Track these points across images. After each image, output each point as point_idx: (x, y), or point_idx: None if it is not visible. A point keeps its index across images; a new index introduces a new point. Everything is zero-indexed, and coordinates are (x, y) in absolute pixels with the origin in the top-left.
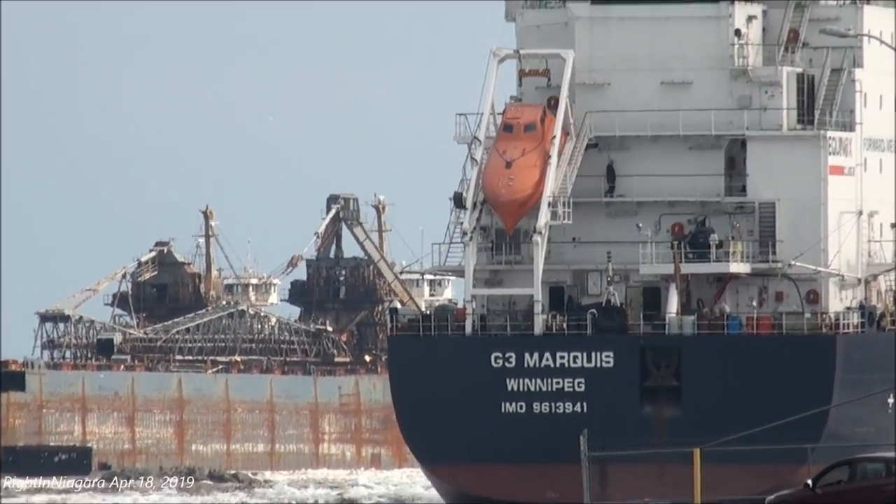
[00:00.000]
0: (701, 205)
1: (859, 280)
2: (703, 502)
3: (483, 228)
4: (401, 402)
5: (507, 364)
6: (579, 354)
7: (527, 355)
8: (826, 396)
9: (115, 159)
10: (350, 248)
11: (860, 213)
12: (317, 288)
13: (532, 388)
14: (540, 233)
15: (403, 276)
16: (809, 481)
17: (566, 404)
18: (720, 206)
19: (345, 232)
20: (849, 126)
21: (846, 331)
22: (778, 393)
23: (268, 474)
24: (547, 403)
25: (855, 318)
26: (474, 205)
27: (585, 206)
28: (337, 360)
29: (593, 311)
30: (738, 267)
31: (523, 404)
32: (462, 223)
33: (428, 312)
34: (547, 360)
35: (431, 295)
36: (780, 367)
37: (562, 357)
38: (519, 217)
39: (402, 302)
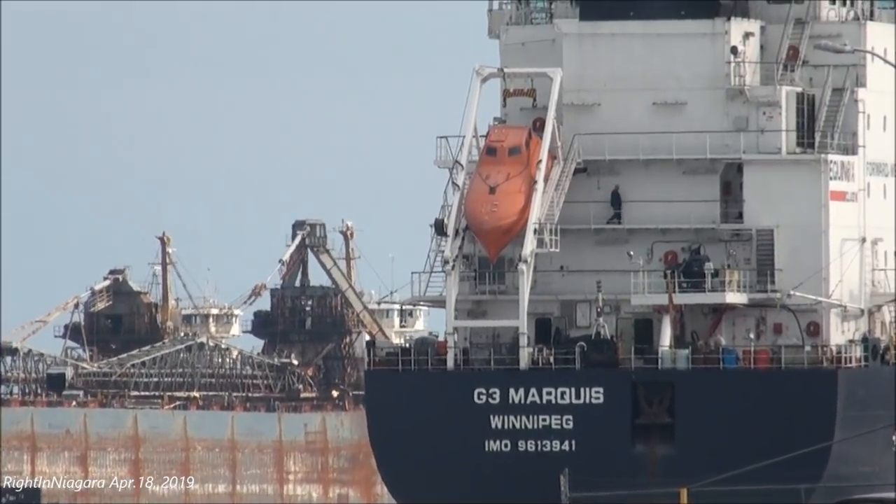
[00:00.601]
0: (695, 232)
1: (862, 311)
2: None
3: (465, 257)
4: (379, 440)
5: (490, 400)
6: (567, 390)
7: (512, 391)
8: (827, 434)
9: (66, 182)
10: (317, 277)
11: (863, 240)
12: (281, 319)
13: (517, 426)
14: (525, 261)
15: (381, 307)
16: None
17: (553, 443)
18: (715, 234)
19: (311, 259)
20: (851, 149)
21: (848, 365)
22: (776, 431)
23: None
24: (533, 442)
25: (858, 352)
26: (456, 232)
27: (574, 234)
28: (302, 395)
29: (582, 344)
30: (734, 297)
31: (508, 443)
32: (443, 251)
33: (407, 346)
34: (533, 396)
35: (402, 326)
36: (779, 403)
37: (549, 393)
38: (503, 245)
39: (370, 334)
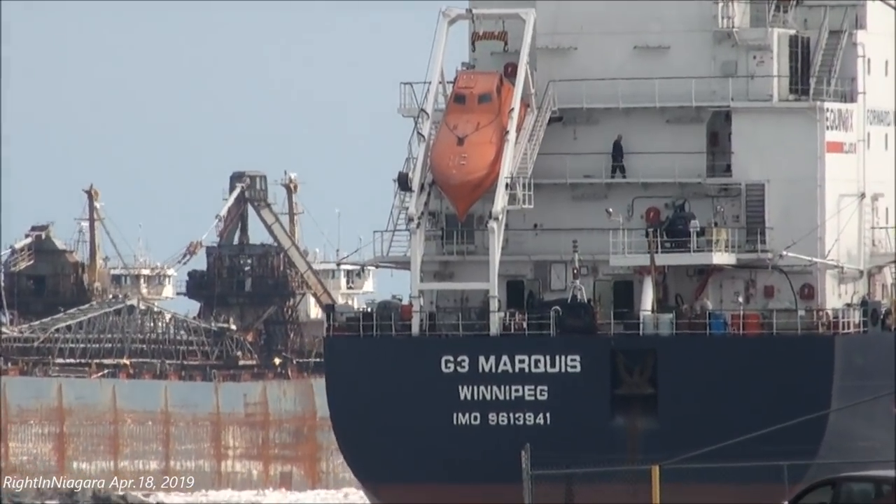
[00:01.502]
0: (679, 187)
1: (861, 272)
2: None
3: (432, 214)
4: (339, 412)
5: (459, 369)
6: (541, 358)
7: (482, 359)
8: (823, 406)
9: None
10: (257, 234)
11: (862, 195)
12: (218, 280)
13: (488, 397)
14: (496, 219)
15: (340, 268)
16: (786, 503)
17: (527, 415)
18: (701, 189)
19: (251, 215)
20: (849, 96)
21: (846, 331)
22: (768, 402)
23: (161, 496)
24: (505, 414)
25: (856, 316)
26: (421, 187)
27: (548, 189)
28: (242, 363)
29: (557, 308)
30: (721, 258)
31: (478, 415)
32: (407, 208)
33: (369, 310)
34: (505, 364)
35: (349, 288)
36: (771, 372)
37: (521, 361)
38: (472, 201)
39: (315, 296)
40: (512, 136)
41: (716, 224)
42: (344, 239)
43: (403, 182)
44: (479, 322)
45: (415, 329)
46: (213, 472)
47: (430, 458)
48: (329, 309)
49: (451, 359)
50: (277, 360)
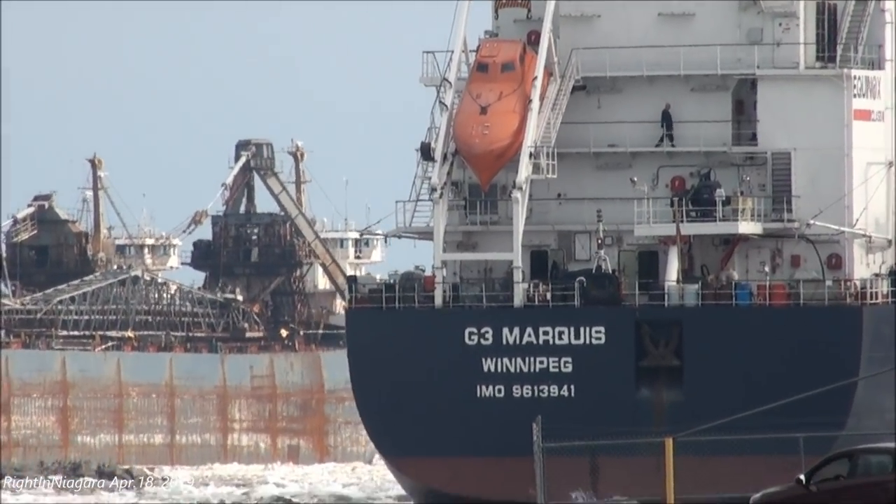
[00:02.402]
0: (705, 155)
1: (889, 242)
2: (681, 500)
3: (455, 184)
4: (361, 385)
5: (482, 341)
6: (566, 329)
7: (505, 331)
8: (850, 377)
9: None
10: (263, 203)
11: (890, 164)
12: (224, 250)
13: (511, 369)
14: (520, 188)
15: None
16: (802, 476)
17: (551, 387)
18: (727, 157)
19: (257, 183)
20: (877, 63)
21: (874, 301)
22: (794, 373)
23: (167, 470)
24: (529, 386)
25: (884, 286)
26: (444, 157)
27: (572, 158)
28: (248, 335)
29: (582, 279)
30: (747, 227)
31: (501, 388)
32: (430, 178)
33: (392, 281)
34: (529, 336)
35: (357, 257)
36: (798, 343)
37: (545, 333)
38: (495, 171)
39: (323, 265)
40: (535, 104)
41: (741, 193)
42: (351, 208)
43: (426, 152)
44: (503, 293)
45: (438, 301)
46: (218, 445)
47: (453, 430)
48: (351, 280)
49: (475, 330)
50: (284, 332)
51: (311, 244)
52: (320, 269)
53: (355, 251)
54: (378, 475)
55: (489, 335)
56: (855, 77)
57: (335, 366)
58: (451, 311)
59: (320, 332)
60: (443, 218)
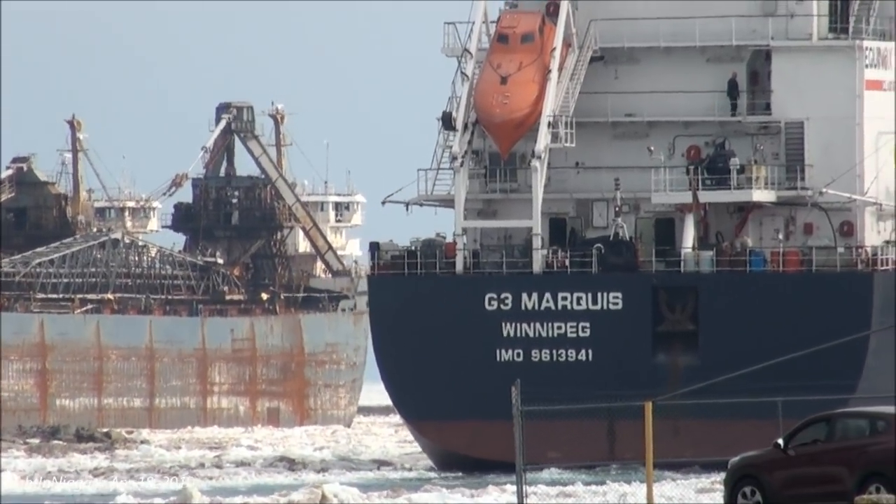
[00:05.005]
0: (720, 125)
1: None
2: (663, 462)
3: (475, 152)
4: (383, 350)
5: (502, 306)
6: (583, 295)
7: (524, 296)
8: (861, 342)
9: None
10: (244, 166)
11: None
12: (205, 212)
13: (531, 334)
14: (539, 157)
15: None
16: (780, 440)
17: (569, 352)
18: (742, 127)
19: (238, 146)
20: (889, 35)
21: (885, 267)
22: (807, 338)
23: (146, 433)
24: (547, 351)
25: (894, 253)
26: (465, 126)
27: (590, 127)
28: (228, 297)
29: (599, 245)
30: (761, 195)
31: (521, 352)
32: (451, 146)
33: (413, 248)
34: (547, 301)
35: (338, 221)
36: (810, 308)
37: (564, 298)
38: (515, 139)
39: (304, 228)
40: (554, 75)
41: (756, 162)
42: (332, 171)
43: (447, 121)
44: (522, 260)
45: (459, 267)
46: (198, 408)
47: (472, 395)
48: (374, 247)
49: (495, 296)
50: (265, 295)
51: (291, 207)
52: (301, 233)
53: (336, 214)
54: (355, 439)
55: (509, 301)
56: (867, 48)
57: (315, 329)
58: (471, 278)
59: (301, 295)
60: (463, 186)
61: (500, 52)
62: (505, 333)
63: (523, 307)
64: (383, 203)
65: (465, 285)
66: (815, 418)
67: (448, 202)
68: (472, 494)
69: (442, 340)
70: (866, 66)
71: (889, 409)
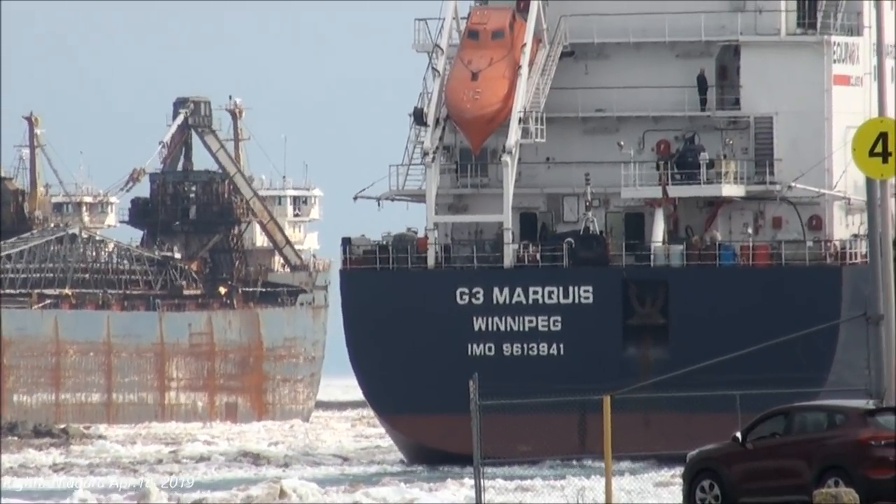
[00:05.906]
0: (689, 120)
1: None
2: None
3: (446, 148)
4: (355, 343)
5: (473, 300)
6: (555, 289)
7: (496, 290)
8: (831, 335)
9: None
10: (201, 160)
11: None
12: (162, 207)
13: (502, 328)
14: (510, 152)
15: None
16: (738, 434)
17: (540, 345)
18: (711, 122)
19: (195, 141)
20: (856, 30)
21: (853, 261)
22: (777, 332)
23: (103, 428)
24: (519, 345)
25: (863, 247)
26: (436, 121)
27: (561, 123)
28: (186, 292)
29: (570, 240)
30: (731, 189)
31: (492, 346)
32: (423, 142)
33: (385, 242)
34: (518, 295)
35: (296, 215)
36: (780, 302)
37: (535, 292)
38: (486, 135)
39: (261, 223)
40: (525, 70)
41: (725, 156)
42: (290, 165)
43: (419, 117)
44: (493, 254)
45: (430, 261)
46: (156, 404)
47: (445, 388)
48: (346, 242)
49: (466, 290)
50: (223, 290)
51: (249, 201)
52: (258, 227)
53: (293, 209)
54: (312, 433)
55: (480, 295)
56: (835, 43)
57: (274, 323)
58: (442, 272)
59: (259, 289)
60: (435, 181)
61: (470, 48)
62: (476, 327)
63: (494, 301)
64: (355, 199)
65: (437, 280)
66: (774, 412)
67: (419, 197)
68: (431, 488)
69: (414, 335)
70: (834, 61)
71: (846, 402)
